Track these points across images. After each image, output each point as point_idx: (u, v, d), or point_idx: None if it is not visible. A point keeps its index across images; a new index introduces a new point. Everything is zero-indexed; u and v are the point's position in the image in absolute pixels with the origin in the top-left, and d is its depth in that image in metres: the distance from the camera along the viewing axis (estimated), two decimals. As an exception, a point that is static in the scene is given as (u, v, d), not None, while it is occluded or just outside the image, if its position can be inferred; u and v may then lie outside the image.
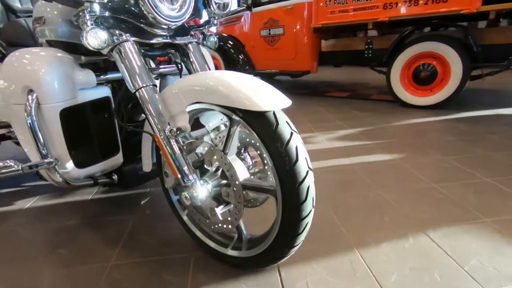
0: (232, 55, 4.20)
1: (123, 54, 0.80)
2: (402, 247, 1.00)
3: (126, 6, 0.80)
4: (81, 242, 1.12)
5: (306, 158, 0.72)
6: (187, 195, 0.77)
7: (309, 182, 0.71)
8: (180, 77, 1.05)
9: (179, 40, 0.96)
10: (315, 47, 3.61)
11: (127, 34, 0.81)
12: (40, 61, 0.80)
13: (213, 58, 4.48)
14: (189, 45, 1.00)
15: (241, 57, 4.19)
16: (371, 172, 1.57)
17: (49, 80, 0.79)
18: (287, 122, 0.72)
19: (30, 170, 0.80)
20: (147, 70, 0.82)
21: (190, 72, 1.02)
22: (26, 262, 1.02)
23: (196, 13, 1.01)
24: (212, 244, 0.96)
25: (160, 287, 0.88)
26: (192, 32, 1.02)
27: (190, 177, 0.79)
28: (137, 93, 0.80)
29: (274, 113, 0.71)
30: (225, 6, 1.02)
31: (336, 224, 1.15)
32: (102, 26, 0.79)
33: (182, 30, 0.99)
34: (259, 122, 0.71)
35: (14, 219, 1.30)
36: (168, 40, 0.93)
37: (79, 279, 0.93)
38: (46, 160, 0.82)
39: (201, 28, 1.05)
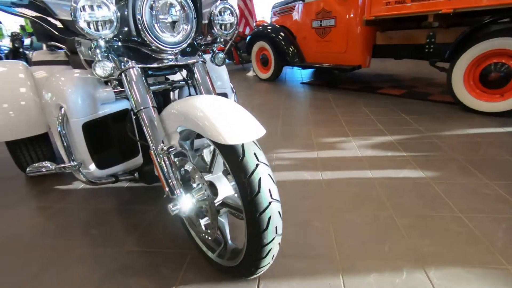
0: (282, 47, 4.16)
1: (128, 79, 0.91)
2: (391, 281, 0.96)
3: (132, 37, 0.91)
4: (108, 226, 1.34)
5: (270, 190, 0.74)
6: (171, 207, 0.88)
7: (271, 213, 0.74)
8: (189, 93, 1.14)
9: (184, 61, 1.04)
10: (368, 40, 3.34)
11: (133, 61, 0.92)
12: (68, 82, 0.97)
13: (264, 48, 4.51)
14: (195, 65, 1.07)
15: (291, 49, 4.13)
16: (392, 190, 1.47)
17: (73, 99, 0.96)
18: (255, 153, 0.75)
19: (60, 170, 1.00)
20: (147, 94, 0.92)
21: (195, 90, 1.10)
22: (64, 239, 1.27)
23: (203, 33, 1.07)
24: (203, 246, 1.06)
25: (154, 278, 1.03)
26: (199, 52, 1.09)
27: (177, 191, 0.89)
28: (138, 113, 0.92)
29: (242, 145, 0.75)
30: (231, 26, 1.05)
31: (331, 245, 1.14)
32: (112, 53, 0.91)
33: (190, 50, 1.07)
34: (227, 151, 0.75)
35: (69, 197, 1.61)
36: (172, 63, 1.01)
37: (99, 259, 1.13)
38: (71, 164, 1.01)
39: (209, 46, 1.11)
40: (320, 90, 3.83)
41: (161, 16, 0.88)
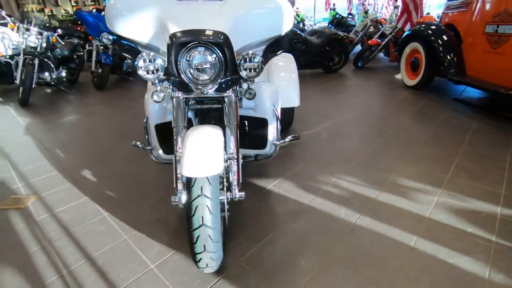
0: (439, 54, 3.44)
1: (174, 104, 1.28)
2: None
3: (177, 76, 1.25)
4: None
5: (202, 217, 0.95)
6: (172, 198, 1.23)
7: (200, 233, 0.96)
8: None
9: (216, 94, 1.29)
10: None
11: (180, 92, 1.27)
12: (148, 99, 1.46)
13: (417, 51, 3.88)
14: (226, 98, 1.30)
15: (448, 58, 3.35)
16: (421, 275, 1.22)
17: (150, 109, 1.46)
18: (201, 186, 0.97)
19: (143, 150, 1.56)
20: (182, 117, 1.26)
21: (223, 118, 1.33)
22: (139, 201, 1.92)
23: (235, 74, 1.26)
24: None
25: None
26: (234, 87, 1.30)
27: (179, 190, 1.24)
28: (173, 128, 1.29)
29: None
30: (255, 69, 1.20)
31: None
32: (166, 82, 1.29)
33: (225, 86, 1.29)
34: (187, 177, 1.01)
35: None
36: (208, 95, 1.28)
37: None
38: (149, 147, 1.55)
39: (241, 83, 1.30)
40: (470, 115, 2.99)
41: (194, 63, 1.16)
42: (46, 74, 4.13)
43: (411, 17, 4.23)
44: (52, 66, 4.11)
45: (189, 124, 1.53)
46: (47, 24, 5.41)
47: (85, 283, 1.22)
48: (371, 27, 6.04)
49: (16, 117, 3.43)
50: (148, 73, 1.18)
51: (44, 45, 3.95)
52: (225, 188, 1.24)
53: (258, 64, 1.17)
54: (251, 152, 1.63)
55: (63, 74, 4.30)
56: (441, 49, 3.41)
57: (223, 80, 1.21)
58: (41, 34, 3.94)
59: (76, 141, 2.68)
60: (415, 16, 4.16)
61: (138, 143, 1.60)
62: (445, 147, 2.32)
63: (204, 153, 0.98)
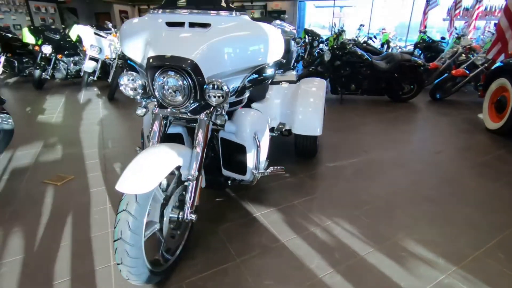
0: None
1: (153, 119, 1.38)
2: None
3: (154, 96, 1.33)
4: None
5: (121, 230, 1.01)
6: None
7: (118, 246, 1.01)
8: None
9: (189, 115, 1.32)
10: None
11: (158, 109, 1.35)
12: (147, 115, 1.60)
13: (505, 89, 3.19)
14: (198, 120, 1.33)
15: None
16: None
17: (144, 120, 1.60)
18: (128, 202, 1.02)
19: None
20: (158, 132, 1.34)
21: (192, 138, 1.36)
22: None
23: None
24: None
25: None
26: (207, 111, 1.32)
27: None
28: (147, 137, 1.39)
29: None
30: (223, 96, 1.20)
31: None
32: (151, 100, 1.40)
33: (199, 108, 1.32)
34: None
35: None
36: (182, 115, 1.33)
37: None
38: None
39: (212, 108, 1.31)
40: None
41: (166, 87, 1.23)
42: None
43: (506, 47, 3.47)
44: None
45: (181, 140, 1.63)
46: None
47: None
48: (462, 54, 5.19)
49: (100, 109, 4.21)
50: (129, 90, 1.31)
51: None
52: (187, 206, 1.24)
53: (224, 92, 1.18)
54: (234, 175, 1.62)
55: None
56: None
57: (193, 103, 1.25)
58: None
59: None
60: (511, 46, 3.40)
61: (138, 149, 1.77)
62: (497, 215, 1.83)
63: (140, 172, 1.04)
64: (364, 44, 6.46)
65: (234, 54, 1.30)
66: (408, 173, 2.36)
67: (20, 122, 3.52)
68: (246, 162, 1.52)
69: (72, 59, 5.81)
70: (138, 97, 1.35)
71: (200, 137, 1.30)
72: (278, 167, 1.62)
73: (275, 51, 1.39)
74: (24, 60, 6.28)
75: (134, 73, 1.30)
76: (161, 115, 1.35)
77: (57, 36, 5.61)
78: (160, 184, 1.24)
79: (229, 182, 1.69)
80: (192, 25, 1.31)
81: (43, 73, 5.30)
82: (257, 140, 1.49)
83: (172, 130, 1.52)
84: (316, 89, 2.37)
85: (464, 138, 3.17)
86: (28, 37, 5.65)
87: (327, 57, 4.53)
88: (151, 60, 1.19)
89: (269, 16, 11.41)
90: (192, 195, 1.26)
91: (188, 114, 1.32)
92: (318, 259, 1.46)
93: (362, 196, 2.02)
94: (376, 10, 11.73)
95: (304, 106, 2.25)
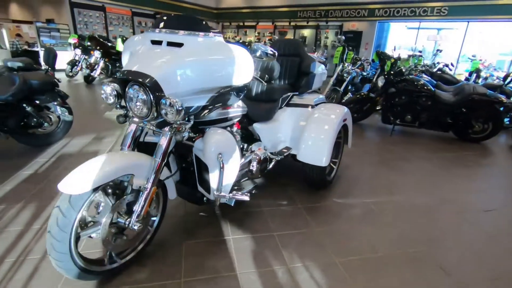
0: None
1: (127, 126, 1.47)
2: None
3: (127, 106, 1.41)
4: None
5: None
6: None
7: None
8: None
9: (156, 128, 1.37)
10: None
11: (134, 119, 1.44)
12: None
13: None
14: (162, 132, 1.36)
15: None
16: None
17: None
18: (68, 200, 1.11)
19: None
20: (130, 139, 1.43)
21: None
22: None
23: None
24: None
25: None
26: (169, 127, 1.34)
27: None
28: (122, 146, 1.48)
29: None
30: (176, 113, 1.22)
31: None
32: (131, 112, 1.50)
33: (164, 122, 1.36)
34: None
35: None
36: (149, 127, 1.39)
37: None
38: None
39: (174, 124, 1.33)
40: None
41: (134, 99, 1.31)
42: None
43: None
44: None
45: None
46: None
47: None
48: None
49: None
50: (111, 99, 1.45)
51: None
52: (134, 215, 1.29)
53: (175, 110, 1.20)
54: (204, 192, 1.60)
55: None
56: None
57: (159, 117, 1.31)
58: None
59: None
60: None
61: None
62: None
63: (80, 174, 1.13)
64: (438, 72, 5.69)
65: (200, 73, 1.31)
66: (428, 228, 1.95)
67: (87, 116, 4.19)
68: (209, 181, 1.49)
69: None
70: (118, 106, 1.47)
71: (159, 150, 1.34)
72: (244, 193, 1.54)
73: (243, 74, 1.35)
74: (117, 65, 7.53)
75: (115, 84, 1.42)
76: (133, 124, 1.44)
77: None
78: (108, 188, 1.30)
79: (204, 199, 1.68)
80: (170, 43, 1.37)
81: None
82: (220, 161, 1.45)
83: (149, 139, 1.60)
84: (333, 116, 2.19)
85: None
86: (121, 46, 6.76)
87: (381, 82, 4.15)
88: (120, 73, 1.29)
89: (341, 34, 11.10)
90: (141, 204, 1.29)
91: (154, 126, 1.38)
92: (261, 302, 1.31)
93: (354, 242, 1.75)
94: (474, 35, 10.25)
95: (314, 133, 2.11)
